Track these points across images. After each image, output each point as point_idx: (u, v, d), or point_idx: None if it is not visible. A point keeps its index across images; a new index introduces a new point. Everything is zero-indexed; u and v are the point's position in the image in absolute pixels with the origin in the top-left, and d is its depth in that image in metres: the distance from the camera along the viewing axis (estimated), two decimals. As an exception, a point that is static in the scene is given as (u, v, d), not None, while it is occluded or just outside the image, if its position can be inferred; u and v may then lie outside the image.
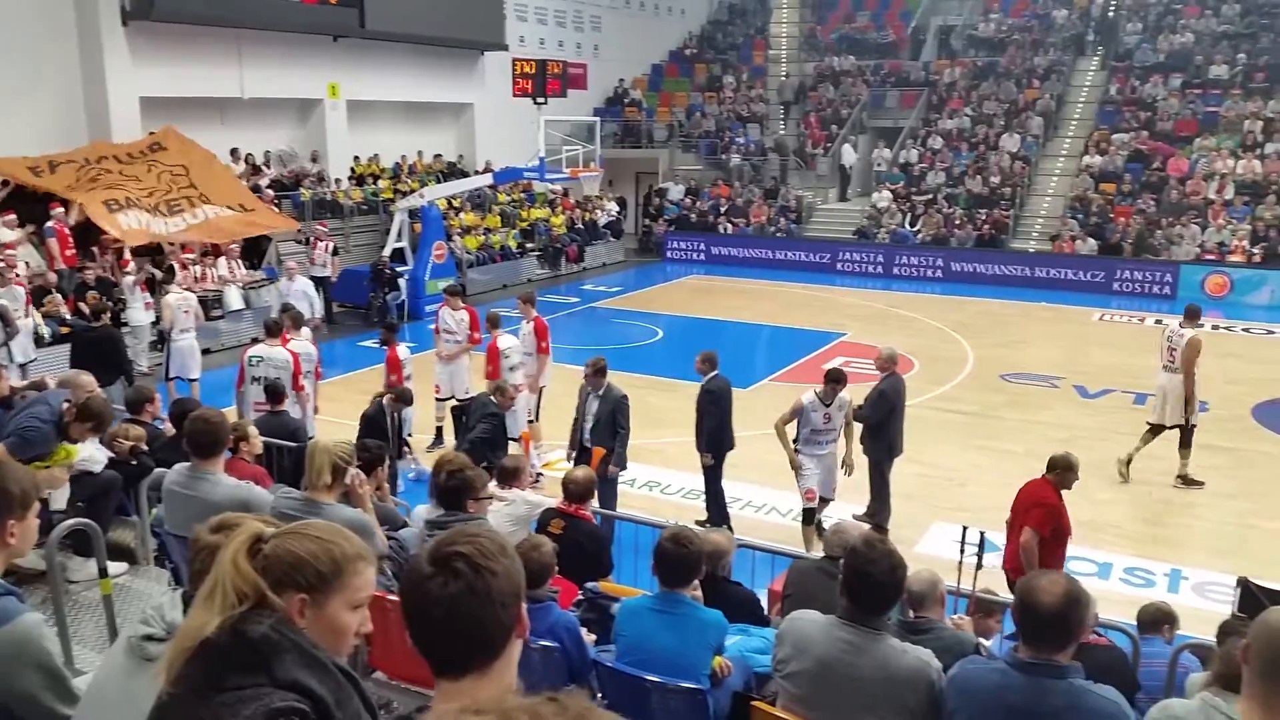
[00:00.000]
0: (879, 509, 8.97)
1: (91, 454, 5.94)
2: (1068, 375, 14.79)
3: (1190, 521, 9.41)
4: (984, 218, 24.38)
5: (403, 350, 10.40)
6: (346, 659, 1.96)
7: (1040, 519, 6.61)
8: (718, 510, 9.01)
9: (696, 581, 4.24)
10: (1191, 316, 10.59)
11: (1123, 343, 17.55)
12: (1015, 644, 3.12)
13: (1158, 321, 19.45)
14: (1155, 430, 10.54)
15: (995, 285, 22.80)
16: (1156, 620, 5.27)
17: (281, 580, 1.85)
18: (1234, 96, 25.25)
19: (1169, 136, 24.99)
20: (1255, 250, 21.68)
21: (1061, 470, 6.77)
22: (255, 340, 10.24)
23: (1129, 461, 10.53)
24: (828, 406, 8.61)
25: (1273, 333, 18.52)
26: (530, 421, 11.00)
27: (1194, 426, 10.38)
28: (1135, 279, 21.96)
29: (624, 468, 8.93)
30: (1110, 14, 29.95)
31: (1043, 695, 2.96)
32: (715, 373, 8.94)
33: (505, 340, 10.47)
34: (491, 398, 8.88)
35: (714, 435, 8.87)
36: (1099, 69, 28.38)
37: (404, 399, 9.34)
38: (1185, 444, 10.38)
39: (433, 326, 12.03)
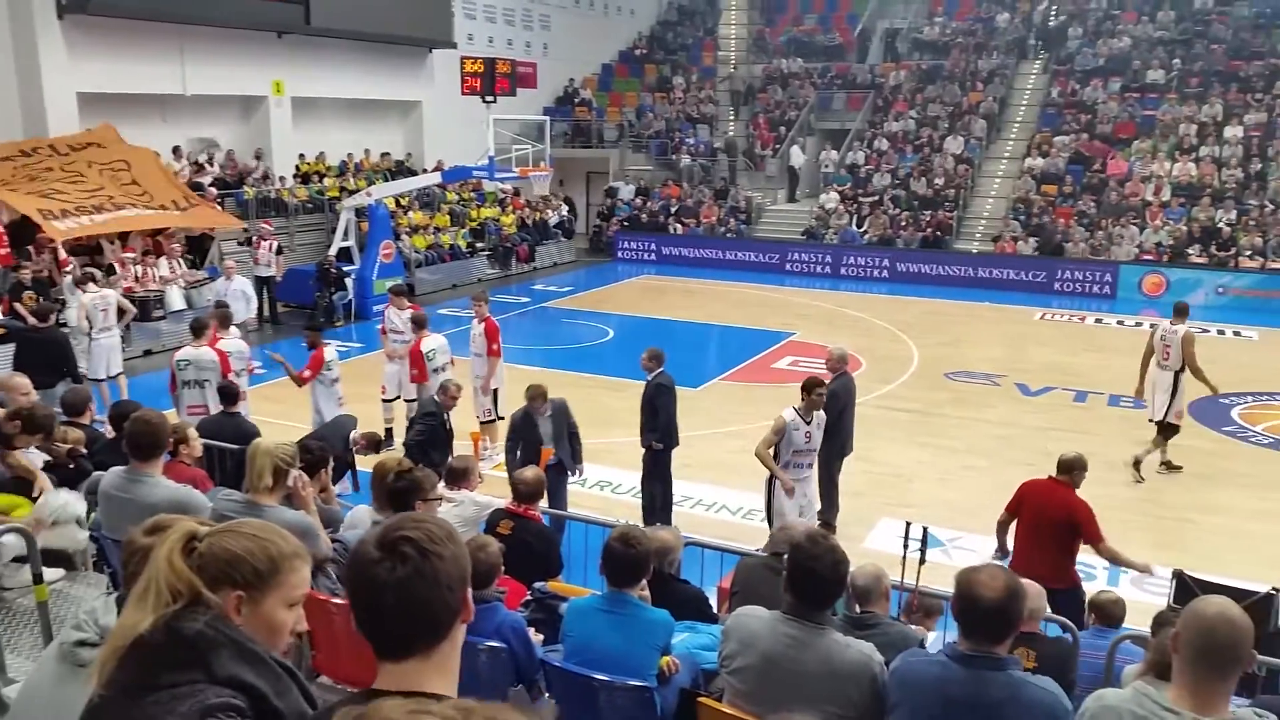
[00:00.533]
0: (828, 508, 9.04)
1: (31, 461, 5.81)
2: (1009, 373, 15.06)
3: (1128, 516, 9.61)
4: (929, 219, 24.74)
5: (329, 352, 10.14)
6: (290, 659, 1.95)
7: (1096, 528, 6.65)
8: (653, 509, 8.97)
9: (645, 581, 4.25)
10: (1180, 313, 10.94)
11: (1063, 341, 17.92)
12: (955, 637, 3.17)
13: (1097, 320, 19.92)
14: (1160, 426, 10.86)
15: (940, 285, 23.13)
16: (1120, 615, 5.39)
17: (217, 578, 1.84)
18: (1170, 100, 25.91)
19: (1108, 139, 25.56)
20: (1191, 250, 22.25)
21: (1078, 471, 6.86)
22: (181, 344, 10.00)
23: (1139, 463, 10.83)
24: (808, 424, 8.13)
25: (1208, 331, 19.00)
26: (487, 422, 10.95)
27: (1178, 426, 10.78)
28: (1076, 279, 22.42)
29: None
30: (1051, 20, 30.53)
31: (983, 687, 3.01)
32: (662, 369, 8.93)
33: (429, 342, 10.41)
34: (435, 397, 8.82)
35: (670, 427, 8.87)
36: (1041, 72, 28.94)
37: (372, 445, 9.13)
38: (1162, 435, 10.80)
39: (379, 327, 11.92)
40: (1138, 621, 5.69)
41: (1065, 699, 3.07)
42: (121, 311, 12.76)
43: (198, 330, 9.45)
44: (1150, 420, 11.05)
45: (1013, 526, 7.01)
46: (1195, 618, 2.63)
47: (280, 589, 1.90)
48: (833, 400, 8.86)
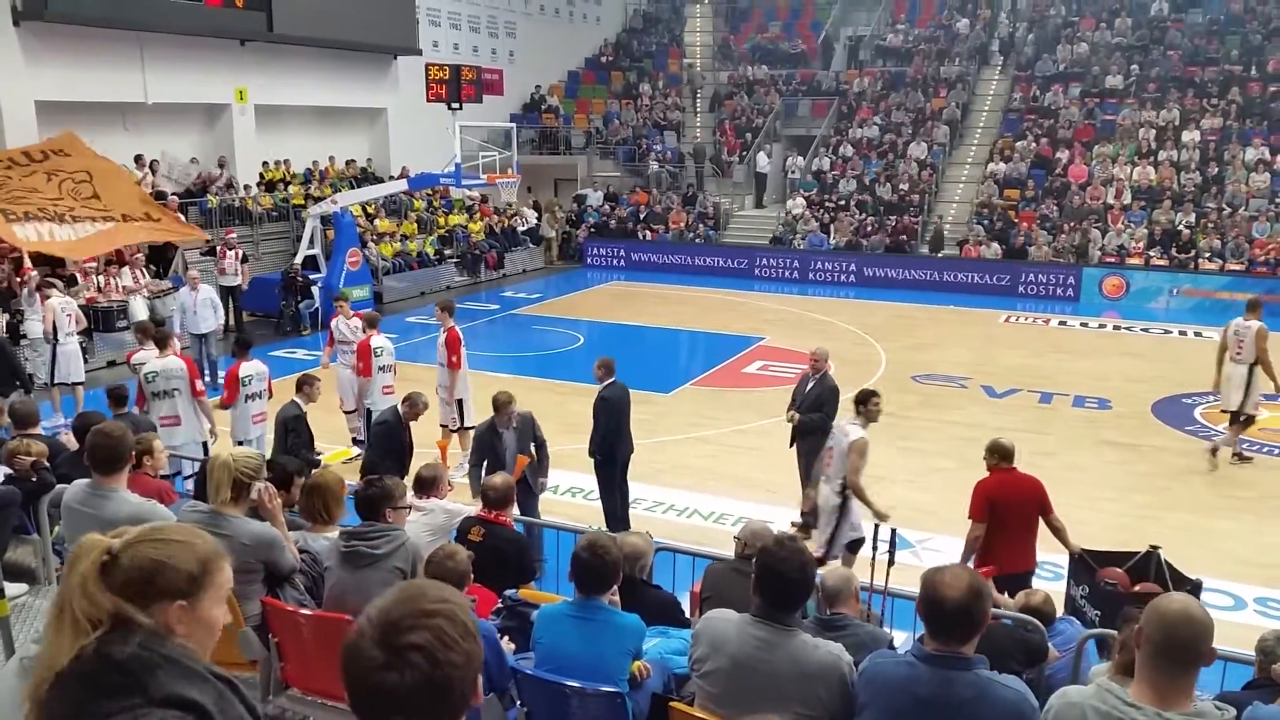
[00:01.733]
0: (811, 511, 9.06)
1: None
2: (976, 376, 15.21)
3: (1093, 515, 9.73)
4: (894, 224, 24.95)
5: (249, 367, 9.54)
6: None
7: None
8: (613, 517, 8.93)
9: (614, 587, 4.26)
10: (1253, 309, 11.24)
11: (1028, 344, 18.13)
12: (920, 636, 3.19)
13: (1061, 323, 20.17)
14: (1234, 417, 11.19)
15: (905, 289, 23.33)
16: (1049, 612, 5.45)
17: (146, 591, 1.78)
18: (1129, 105, 26.33)
19: (1069, 143, 25.92)
20: (1152, 253, 22.60)
21: (1013, 453, 7.06)
22: (135, 352, 9.82)
23: (1216, 451, 11.29)
24: None
25: (1169, 332, 19.31)
26: (456, 430, 10.90)
27: (1252, 416, 11.16)
28: (1040, 282, 22.70)
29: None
30: (1013, 29, 30.93)
31: (950, 687, 3.03)
32: (612, 380, 8.90)
33: (378, 339, 10.44)
34: (397, 407, 8.77)
35: (606, 440, 8.80)
36: (1002, 78, 29.29)
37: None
38: (1239, 426, 11.17)
39: (326, 338, 11.84)
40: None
41: (1032, 697, 3.10)
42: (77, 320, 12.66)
43: (161, 342, 9.27)
44: (1223, 411, 11.46)
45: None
46: (1157, 614, 2.67)
47: (212, 588, 1.87)
48: (834, 398, 8.95)
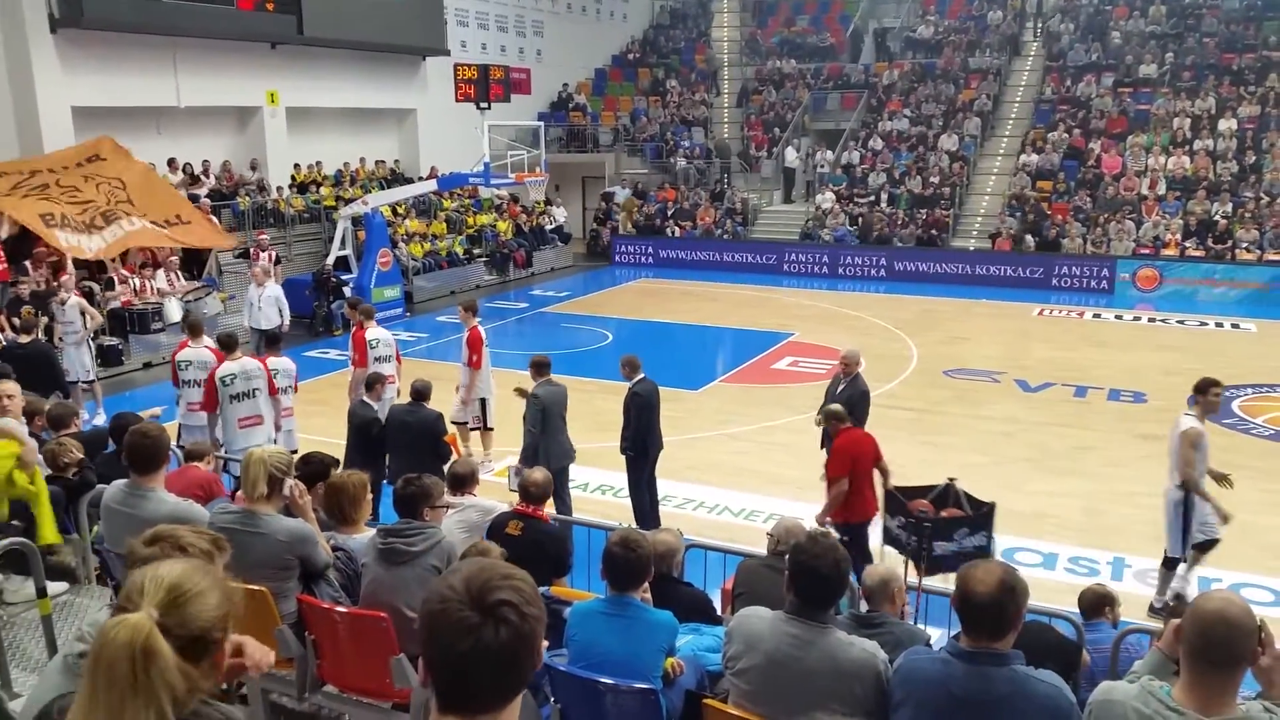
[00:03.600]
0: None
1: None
2: (1009, 370, 15.07)
3: (1131, 511, 9.62)
4: (925, 217, 24.76)
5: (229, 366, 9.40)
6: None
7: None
8: (643, 514, 8.92)
9: (646, 584, 4.25)
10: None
11: (1062, 337, 17.93)
12: (956, 634, 3.17)
13: (1095, 316, 19.93)
14: None
15: (936, 283, 23.17)
16: (1097, 604, 5.37)
17: (205, 648, 1.77)
18: (1163, 95, 25.95)
19: (1102, 134, 25.59)
20: (1188, 244, 22.27)
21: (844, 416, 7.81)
22: (180, 349, 9.86)
23: None
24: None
25: (1206, 324, 19.03)
26: (476, 429, 10.93)
27: None
28: (1073, 274, 22.43)
29: (528, 465, 8.78)
30: (1039, 19, 30.58)
31: (986, 683, 3.01)
32: (642, 376, 8.88)
33: (374, 331, 10.40)
34: (363, 398, 8.83)
35: (638, 436, 8.78)
36: (1033, 69, 28.97)
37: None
38: None
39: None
40: (1144, 616, 5.70)
41: (1069, 693, 3.07)
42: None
43: (229, 345, 9.20)
44: None
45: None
46: (1193, 613, 2.63)
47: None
48: (864, 400, 8.89)
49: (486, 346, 10.83)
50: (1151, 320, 19.54)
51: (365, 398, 8.88)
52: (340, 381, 10.80)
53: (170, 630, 1.69)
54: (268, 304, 14.02)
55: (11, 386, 6.58)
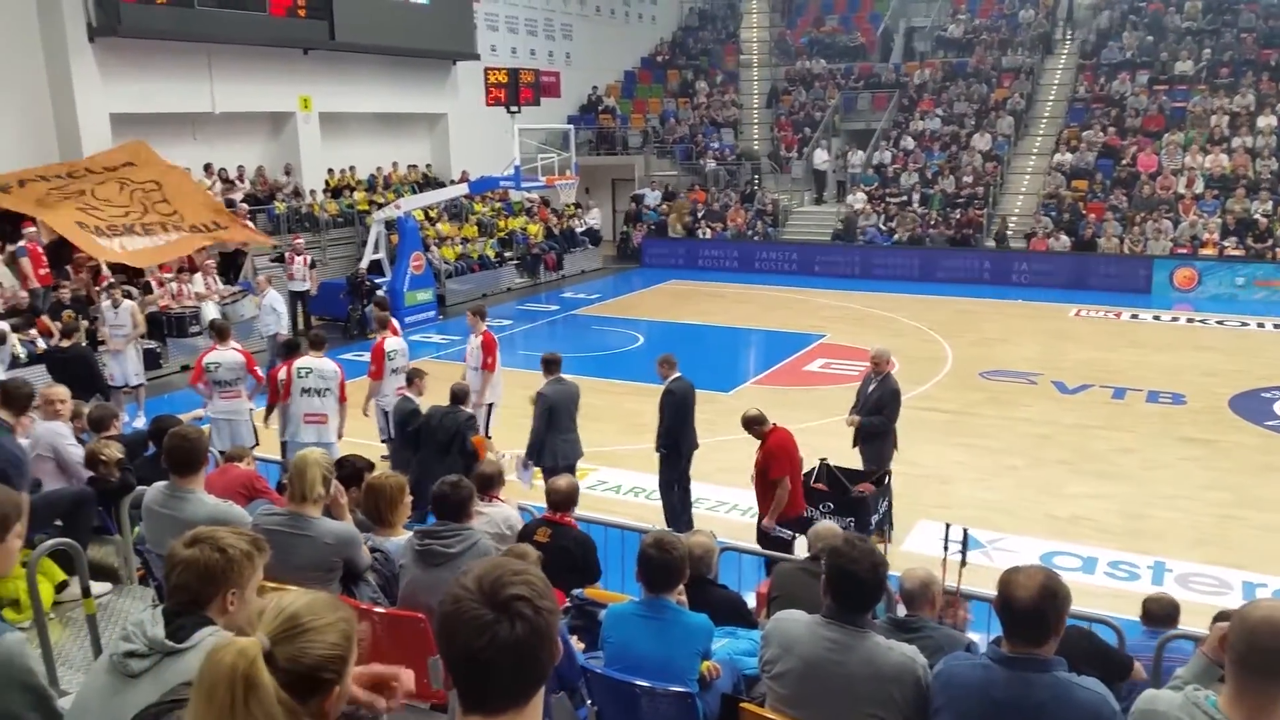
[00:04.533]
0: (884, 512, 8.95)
1: None
2: (1046, 371, 14.91)
3: (1171, 514, 9.49)
4: (958, 217, 24.56)
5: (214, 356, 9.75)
6: None
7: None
8: (674, 515, 8.95)
9: (681, 585, 4.25)
10: None
11: (1099, 338, 17.72)
12: (996, 638, 3.14)
13: (1133, 316, 19.68)
14: None
15: (971, 284, 22.98)
16: (1168, 615, 5.30)
17: (315, 685, 1.67)
18: (1200, 92, 25.57)
19: (1138, 132, 25.26)
20: (1226, 243, 21.94)
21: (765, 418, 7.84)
22: (208, 352, 10.05)
23: None
24: None
25: (1247, 324, 18.73)
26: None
27: None
28: (1110, 274, 22.16)
29: (533, 460, 8.86)
30: (1076, 22, 30.25)
31: (1027, 689, 2.97)
32: (677, 375, 8.89)
33: (393, 342, 10.46)
34: (408, 394, 9.02)
35: (671, 434, 8.80)
36: (1067, 67, 28.66)
37: None
38: None
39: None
40: (1185, 621, 5.60)
41: (1113, 700, 3.02)
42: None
43: (315, 343, 9.61)
44: None
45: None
46: (1240, 620, 2.58)
47: (352, 656, 1.76)
48: (896, 401, 8.82)
49: (498, 351, 10.79)
50: (1190, 320, 19.27)
51: (407, 392, 9.04)
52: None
53: (278, 662, 1.62)
54: (265, 311, 14.13)
55: (62, 391, 6.69)
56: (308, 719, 1.64)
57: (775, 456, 7.55)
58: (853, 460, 9.14)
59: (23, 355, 13.08)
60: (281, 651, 1.64)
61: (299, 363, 9.26)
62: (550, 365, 8.96)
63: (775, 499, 7.52)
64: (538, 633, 1.58)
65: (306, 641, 1.67)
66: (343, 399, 9.36)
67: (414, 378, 9.20)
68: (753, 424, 7.70)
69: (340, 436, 9.45)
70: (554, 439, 8.70)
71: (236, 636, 1.65)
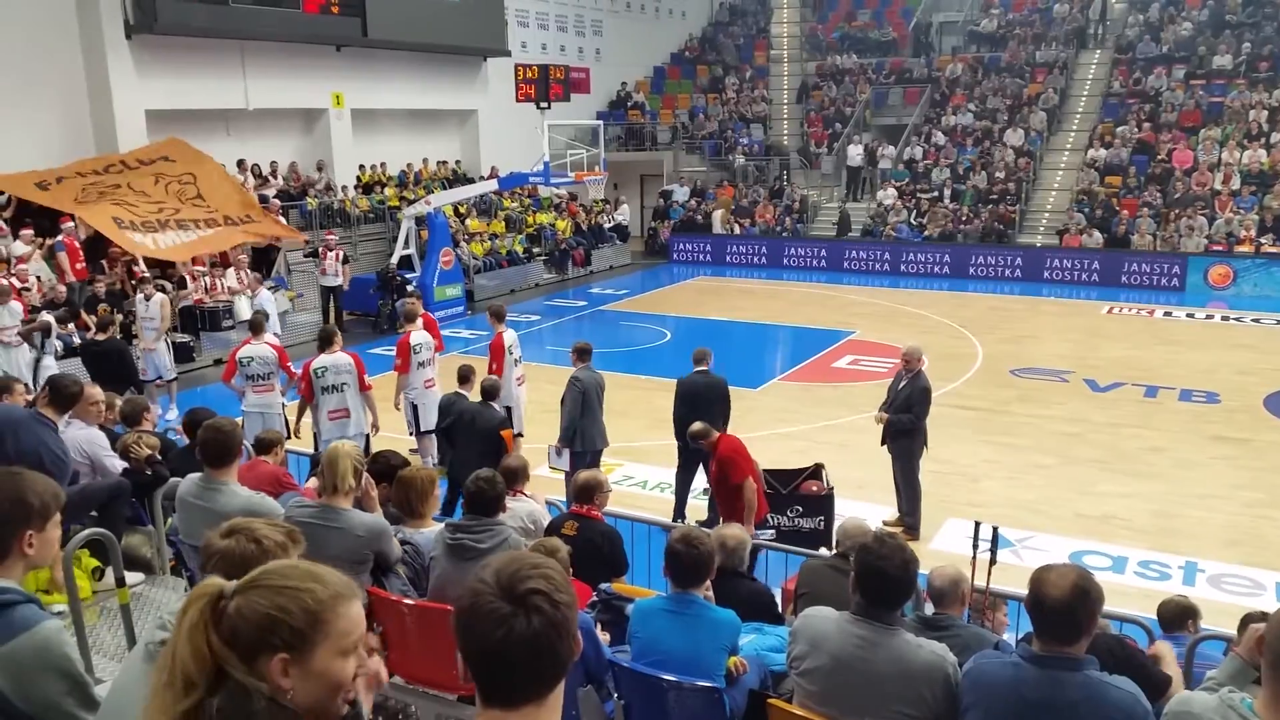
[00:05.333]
0: (914, 508, 8.91)
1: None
2: (1078, 369, 14.76)
3: (1203, 514, 9.37)
4: (990, 213, 24.35)
5: (327, 359, 9.63)
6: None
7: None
8: (678, 505, 9.06)
9: (708, 581, 4.25)
10: None
11: (1132, 335, 17.52)
12: (1027, 636, 3.12)
13: (1166, 314, 19.43)
14: None
15: (1003, 280, 22.78)
16: (1180, 616, 5.21)
17: (255, 644, 1.62)
18: (1238, 86, 25.18)
19: (1173, 128, 24.91)
20: (1263, 240, 21.60)
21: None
22: (245, 344, 10.13)
23: None
24: None
25: (1283, 323, 18.45)
26: None
27: None
28: (1144, 271, 21.90)
29: (568, 446, 8.90)
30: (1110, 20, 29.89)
31: (1058, 688, 2.96)
32: (700, 369, 8.93)
33: (418, 335, 10.44)
34: (458, 390, 9.04)
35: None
36: (1101, 62, 28.32)
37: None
38: None
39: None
40: (1218, 622, 5.55)
41: (1145, 700, 3.00)
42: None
43: (325, 339, 9.53)
44: None
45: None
46: (1277, 622, 2.54)
47: (328, 640, 1.66)
48: (926, 398, 8.76)
49: (510, 354, 10.48)
50: (1225, 318, 19.00)
51: (459, 389, 9.08)
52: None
53: (228, 608, 1.63)
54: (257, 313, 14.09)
55: (98, 393, 6.79)
56: (255, 682, 1.60)
57: (732, 462, 7.44)
58: (883, 458, 9.11)
59: (59, 349, 13.28)
60: (237, 601, 1.63)
61: (315, 363, 9.23)
62: (583, 353, 9.09)
63: (745, 504, 7.31)
64: (555, 626, 1.58)
65: (259, 595, 1.64)
66: (365, 387, 9.32)
67: (467, 375, 9.20)
68: (699, 437, 7.61)
69: (376, 430, 9.48)
70: (585, 424, 8.83)
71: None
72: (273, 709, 1.60)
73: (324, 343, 9.49)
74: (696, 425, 7.67)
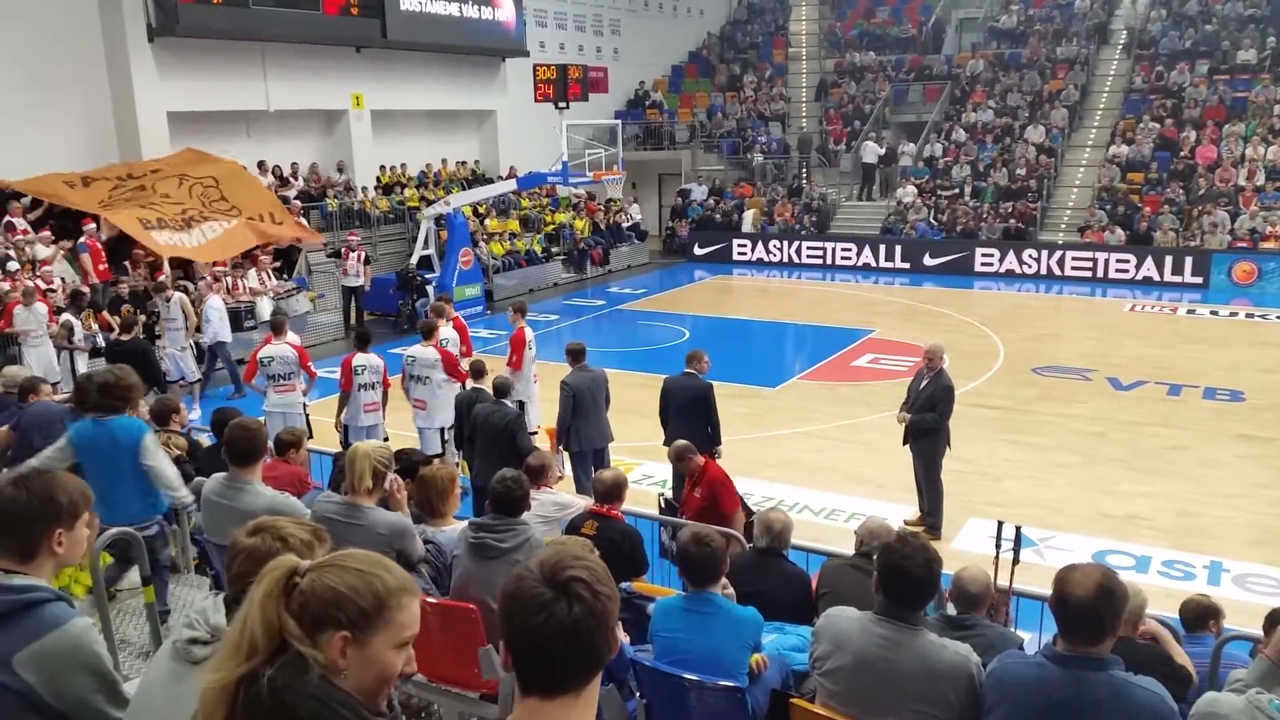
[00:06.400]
0: (935, 509, 8.86)
1: None
2: (1100, 367, 14.65)
3: (1227, 513, 9.29)
4: (1011, 210, 24.20)
5: (362, 358, 9.81)
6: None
7: None
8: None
9: (724, 580, 4.26)
10: None
11: (1155, 333, 17.38)
12: (1054, 637, 3.11)
13: (1190, 311, 19.26)
14: None
15: (1024, 278, 22.65)
16: (1201, 616, 5.16)
17: (320, 619, 1.70)
18: (1263, 81, 24.91)
19: (1196, 124, 24.68)
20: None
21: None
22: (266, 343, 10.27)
23: None
24: None
25: (1308, 320, 18.25)
26: None
27: None
28: (1166, 269, 21.70)
29: (561, 445, 8.99)
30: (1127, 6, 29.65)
31: (1083, 688, 2.94)
32: (687, 371, 8.92)
33: (444, 331, 10.50)
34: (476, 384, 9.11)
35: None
36: (1123, 57, 28.09)
37: None
38: None
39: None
40: (1243, 622, 5.50)
41: (1170, 700, 2.98)
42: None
43: (428, 331, 9.97)
44: None
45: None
46: None
47: (388, 629, 1.74)
48: (948, 397, 8.69)
49: (530, 350, 10.65)
50: (1249, 316, 18.81)
51: (476, 383, 9.15)
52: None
53: (300, 584, 1.72)
54: (203, 319, 13.78)
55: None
56: (314, 653, 1.68)
57: (725, 486, 7.15)
58: (904, 458, 9.07)
59: (86, 348, 13.39)
60: (310, 577, 1.72)
61: (407, 352, 9.85)
62: (575, 355, 9.19)
63: (740, 530, 6.95)
64: (595, 615, 1.62)
65: (331, 574, 1.73)
66: (461, 376, 9.82)
67: (483, 370, 9.27)
68: (680, 458, 7.29)
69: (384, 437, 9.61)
70: (578, 424, 8.91)
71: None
72: (325, 685, 1.67)
73: (425, 335, 9.99)
74: (680, 444, 7.34)
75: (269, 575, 1.73)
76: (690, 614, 4.12)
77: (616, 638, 1.69)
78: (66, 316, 12.82)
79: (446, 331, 10.58)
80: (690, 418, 8.59)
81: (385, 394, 9.72)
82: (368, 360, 9.61)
